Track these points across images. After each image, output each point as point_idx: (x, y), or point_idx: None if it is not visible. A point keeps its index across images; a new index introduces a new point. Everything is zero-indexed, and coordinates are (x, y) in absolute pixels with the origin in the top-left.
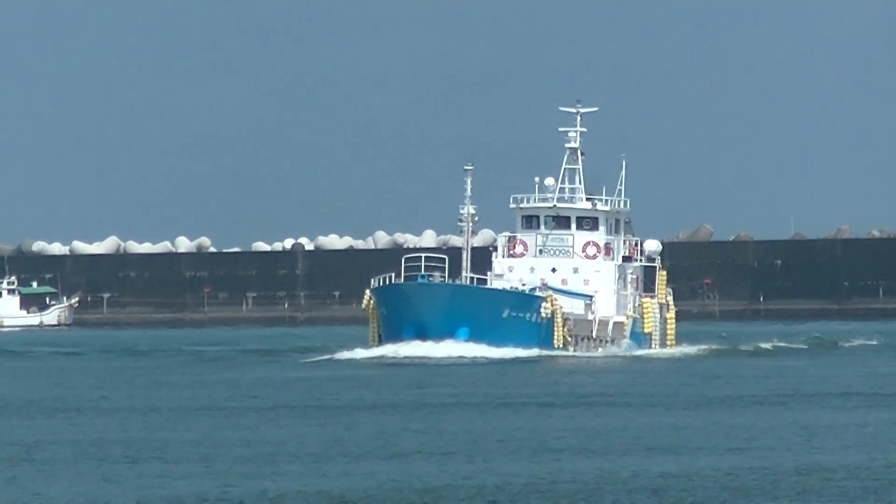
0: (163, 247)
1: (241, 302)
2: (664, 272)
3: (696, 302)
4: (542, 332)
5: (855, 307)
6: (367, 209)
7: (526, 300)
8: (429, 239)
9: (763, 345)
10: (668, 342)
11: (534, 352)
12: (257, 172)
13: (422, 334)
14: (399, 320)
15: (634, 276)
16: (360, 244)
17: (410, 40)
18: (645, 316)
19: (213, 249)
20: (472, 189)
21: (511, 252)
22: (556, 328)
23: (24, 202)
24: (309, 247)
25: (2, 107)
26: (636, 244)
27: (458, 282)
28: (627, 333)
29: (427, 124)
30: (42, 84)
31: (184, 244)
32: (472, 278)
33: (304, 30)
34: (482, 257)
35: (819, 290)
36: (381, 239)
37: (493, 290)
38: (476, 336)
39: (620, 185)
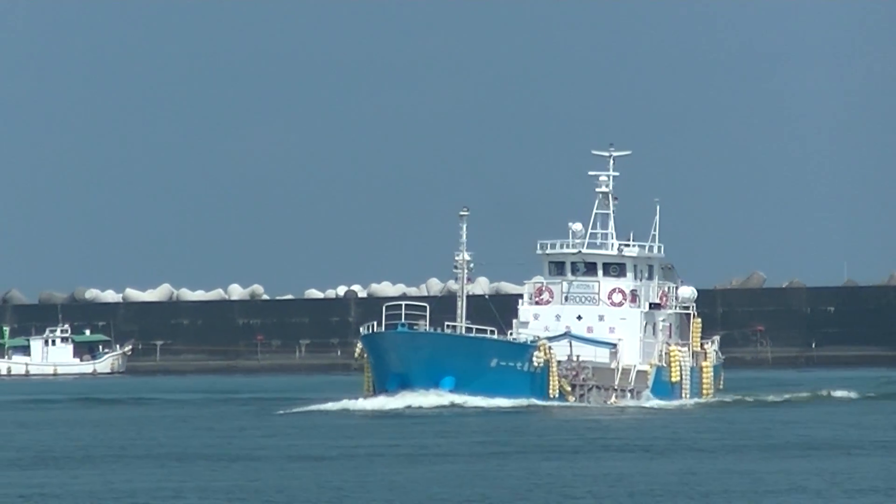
0: (216, 294)
1: (293, 349)
2: (699, 320)
3: (749, 349)
4: (535, 382)
5: None
6: (420, 256)
7: (515, 349)
8: (482, 285)
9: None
10: (705, 392)
11: (524, 402)
12: (310, 219)
13: (405, 384)
14: (384, 370)
15: (667, 324)
16: (412, 291)
17: (448, 85)
18: (672, 365)
19: (265, 297)
20: (467, 235)
21: (537, 299)
22: (551, 377)
23: (76, 250)
24: (362, 294)
25: (55, 156)
26: (669, 291)
27: (439, 331)
28: (650, 382)
29: (473, 170)
30: (96, 133)
31: (236, 291)
32: (466, 327)
33: (354, 75)
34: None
35: (872, 336)
36: (434, 286)
37: (479, 338)
38: (462, 386)
39: (654, 230)
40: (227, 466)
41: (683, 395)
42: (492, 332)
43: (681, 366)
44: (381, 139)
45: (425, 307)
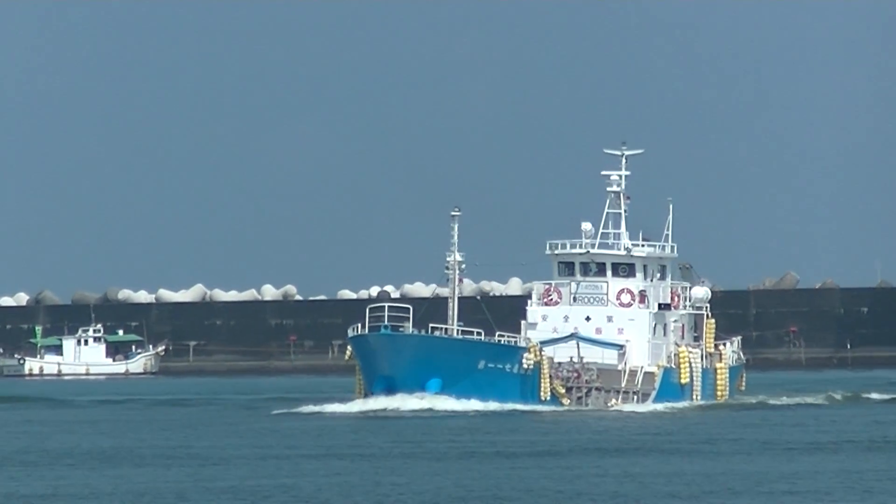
0: (249, 295)
1: (326, 350)
2: (712, 320)
3: (782, 350)
4: (525, 385)
5: None
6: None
7: (504, 351)
8: (515, 286)
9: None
10: (720, 394)
11: (513, 406)
12: (343, 220)
13: (391, 387)
14: (371, 372)
15: (679, 325)
16: (445, 292)
17: (461, 86)
18: (681, 366)
19: (298, 297)
20: (458, 235)
21: (546, 300)
22: (542, 380)
23: (109, 251)
24: (395, 294)
25: (88, 157)
26: (681, 291)
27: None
28: (657, 384)
29: (490, 171)
30: (129, 134)
31: (269, 292)
32: (459, 329)
33: (382, 76)
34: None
35: None
36: (468, 287)
37: (465, 340)
38: (448, 388)
39: (667, 229)
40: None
41: (694, 397)
42: (478, 334)
43: (691, 367)
44: (413, 140)
45: (409, 308)
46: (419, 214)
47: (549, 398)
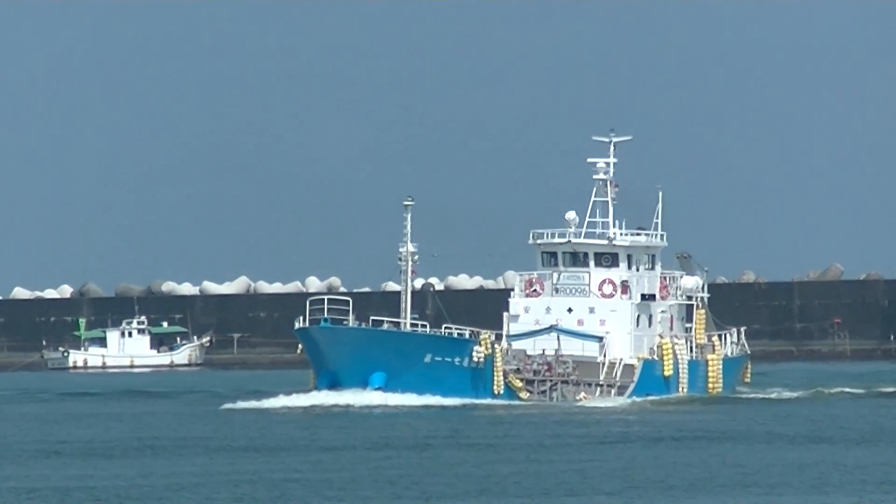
0: (293, 287)
1: None
2: (703, 311)
3: (826, 342)
4: (476, 379)
5: None
6: (497, 249)
7: (451, 344)
8: None
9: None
10: (712, 387)
11: (463, 401)
12: (388, 212)
13: (334, 381)
14: (317, 366)
15: (668, 316)
16: (490, 284)
17: (448, 76)
18: (664, 358)
19: (343, 289)
20: (411, 226)
21: (528, 292)
22: (495, 374)
23: (153, 243)
24: (439, 286)
25: (132, 149)
26: (670, 281)
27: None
28: (636, 377)
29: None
30: (172, 126)
31: (314, 284)
32: (392, 322)
33: (431, 74)
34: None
35: None
36: (512, 279)
37: (408, 333)
38: (393, 383)
39: (657, 217)
40: None
41: (681, 390)
42: (423, 326)
43: (676, 359)
44: (448, 135)
45: (348, 301)
46: (463, 207)
47: (502, 392)
